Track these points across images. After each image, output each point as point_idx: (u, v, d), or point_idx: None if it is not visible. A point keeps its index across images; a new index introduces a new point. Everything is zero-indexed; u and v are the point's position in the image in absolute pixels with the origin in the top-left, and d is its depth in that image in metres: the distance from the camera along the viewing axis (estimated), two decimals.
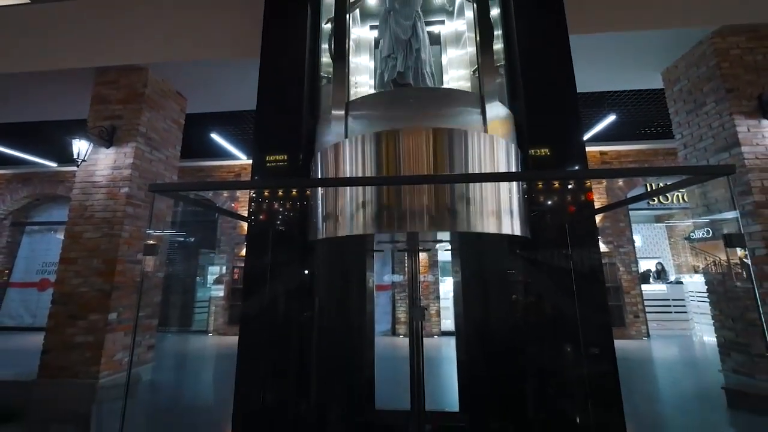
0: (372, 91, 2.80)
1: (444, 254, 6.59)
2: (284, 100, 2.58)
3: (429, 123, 1.94)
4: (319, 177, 2.06)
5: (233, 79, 4.00)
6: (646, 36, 3.34)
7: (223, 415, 2.21)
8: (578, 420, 1.98)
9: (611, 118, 5.29)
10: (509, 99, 2.46)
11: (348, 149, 1.87)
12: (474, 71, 2.61)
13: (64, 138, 3.71)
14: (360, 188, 1.79)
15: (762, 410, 2.66)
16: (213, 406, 3.12)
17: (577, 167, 2.34)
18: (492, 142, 1.85)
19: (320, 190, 1.98)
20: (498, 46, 2.53)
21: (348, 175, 1.85)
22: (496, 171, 1.82)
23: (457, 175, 1.67)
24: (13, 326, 7.28)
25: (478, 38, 2.22)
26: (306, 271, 2.22)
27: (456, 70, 2.89)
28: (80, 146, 3.53)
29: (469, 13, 2.64)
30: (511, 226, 1.82)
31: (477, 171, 1.79)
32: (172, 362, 4.69)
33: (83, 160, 3.56)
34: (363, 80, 2.92)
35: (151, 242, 2.15)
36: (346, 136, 2.07)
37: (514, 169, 1.93)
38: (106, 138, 3.68)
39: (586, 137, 5.91)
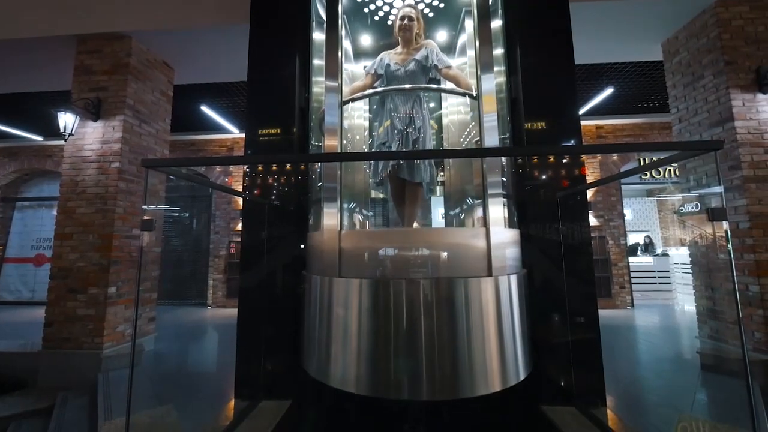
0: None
1: None
2: (276, 69, 2.51)
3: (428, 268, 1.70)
4: (309, 307, 1.88)
5: (222, 48, 3.83)
6: (648, 4, 3.23)
7: (226, 380, 2.31)
8: (562, 383, 2.11)
9: (609, 91, 5.21)
10: (506, 71, 2.41)
11: (342, 291, 1.71)
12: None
13: (48, 111, 3.59)
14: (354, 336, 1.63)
15: (732, 372, 2.85)
16: (215, 372, 3.26)
17: (572, 142, 2.35)
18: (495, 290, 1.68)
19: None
20: (497, 23, 2.40)
21: (341, 320, 1.68)
22: (498, 320, 1.65)
23: (454, 151, 1.67)
24: (12, 300, 7.35)
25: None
26: (302, 246, 2.25)
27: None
28: (66, 120, 3.43)
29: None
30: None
31: (481, 332, 1.60)
32: (174, 332, 4.82)
33: (71, 134, 3.47)
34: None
35: (148, 217, 2.15)
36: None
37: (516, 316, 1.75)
38: (92, 111, 3.57)
39: (583, 111, 5.85)
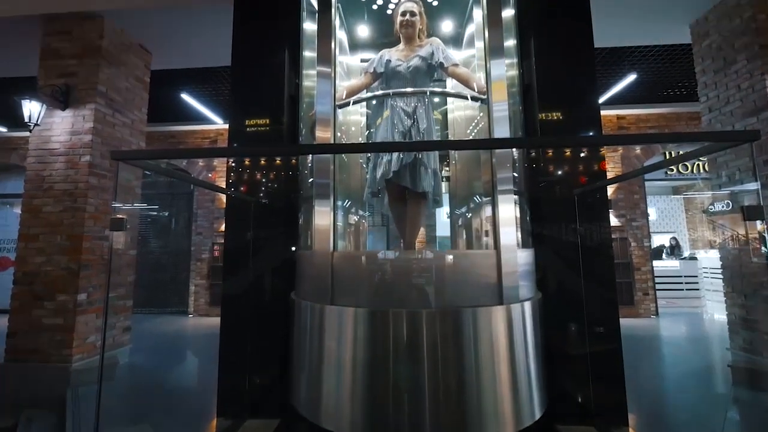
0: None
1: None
2: (263, 54, 2.49)
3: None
4: (298, 337, 1.84)
5: (206, 29, 3.81)
6: None
7: (208, 396, 2.29)
8: (580, 400, 2.09)
9: (631, 77, 5.20)
10: (518, 56, 2.40)
11: (334, 321, 1.67)
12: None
13: (11, 99, 3.56)
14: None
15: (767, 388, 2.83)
16: (196, 388, 3.25)
17: (591, 133, 2.33)
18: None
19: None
20: (508, 10, 2.35)
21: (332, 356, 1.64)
22: (511, 355, 1.62)
23: (461, 141, 1.65)
24: None
25: None
26: (293, 248, 2.24)
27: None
28: (31, 108, 3.41)
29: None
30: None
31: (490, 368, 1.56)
32: (152, 343, 4.81)
33: (36, 125, 3.45)
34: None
35: (119, 216, 2.13)
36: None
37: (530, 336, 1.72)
38: (60, 99, 3.55)
39: (601, 99, 5.83)
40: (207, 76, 5.16)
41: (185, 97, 5.53)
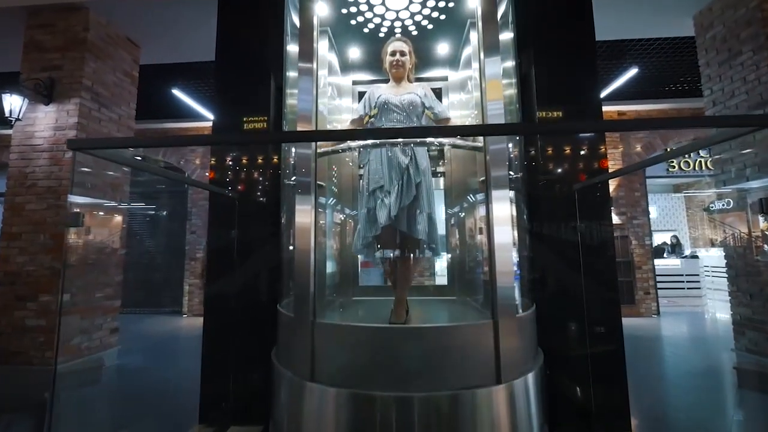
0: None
1: None
2: (247, 49, 2.40)
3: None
4: (277, 409, 1.71)
5: (197, 23, 3.70)
6: None
7: (192, 401, 2.19)
8: (580, 404, 2.00)
9: (632, 72, 5.09)
10: (515, 49, 2.28)
11: (315, 401, 1.54)
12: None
13: None
14: None
15: None
16: (183, 391, 3.14)
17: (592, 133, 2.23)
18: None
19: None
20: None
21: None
22: None
23: (453, 127, 1.55)
24: None
25: None
26: (281, 251, 2.14)
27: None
28: (13, 102, 3.30)
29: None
30: None
31: None
32: (142, 345, 4.71)
33: (17, 119, 3.34)
34: None
35: (76, 210, 2.03)
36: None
37: None
38: (44, 93, 3.44)
39: (602, 95, 5.72)
40: (200, 71, 5.04)
41: (176, 92, 5.42)
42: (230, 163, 2.27)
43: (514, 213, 1.86)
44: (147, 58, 4.29)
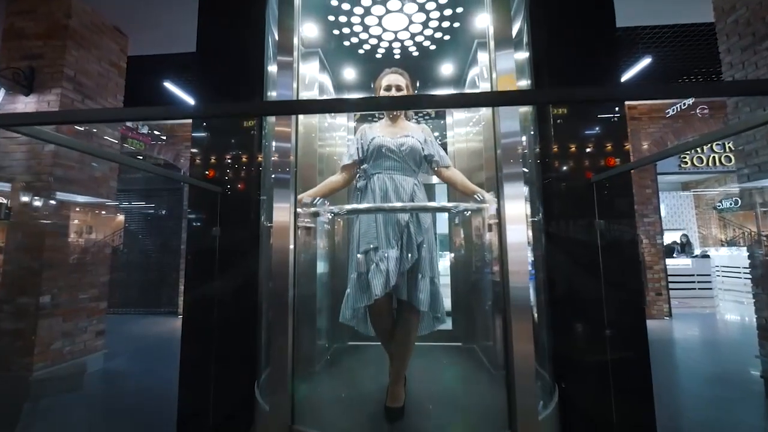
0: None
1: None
2: (228, 37, 2.21)
3: None
4: None
5: (189, 12, 3.48)
6: None
7: (171, 410, 1.99)
8: (600, 421, 1.80)
9: (644, 62, 4.85)
10: (528, 38, 2.06)
11: None
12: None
13: None
14: None
15: None
16: (167, 398, 2.94)
17: (615, 124, 2.01)
18: None
19: None
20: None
21: None
22: None
23: (451, 95, 1.31)
24: None
25: None
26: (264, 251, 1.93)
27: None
28: None
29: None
30: None
31: None
32: (133, 347, 4.52)
33: None
34: None
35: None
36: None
37: None
38: (23, 83, 3.25)
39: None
40: (191, 62, 4.85)
41: (168, 85, 5.23)
42: (213, 159, 2.08)
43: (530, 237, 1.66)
44: (136, 48, 4.10)
